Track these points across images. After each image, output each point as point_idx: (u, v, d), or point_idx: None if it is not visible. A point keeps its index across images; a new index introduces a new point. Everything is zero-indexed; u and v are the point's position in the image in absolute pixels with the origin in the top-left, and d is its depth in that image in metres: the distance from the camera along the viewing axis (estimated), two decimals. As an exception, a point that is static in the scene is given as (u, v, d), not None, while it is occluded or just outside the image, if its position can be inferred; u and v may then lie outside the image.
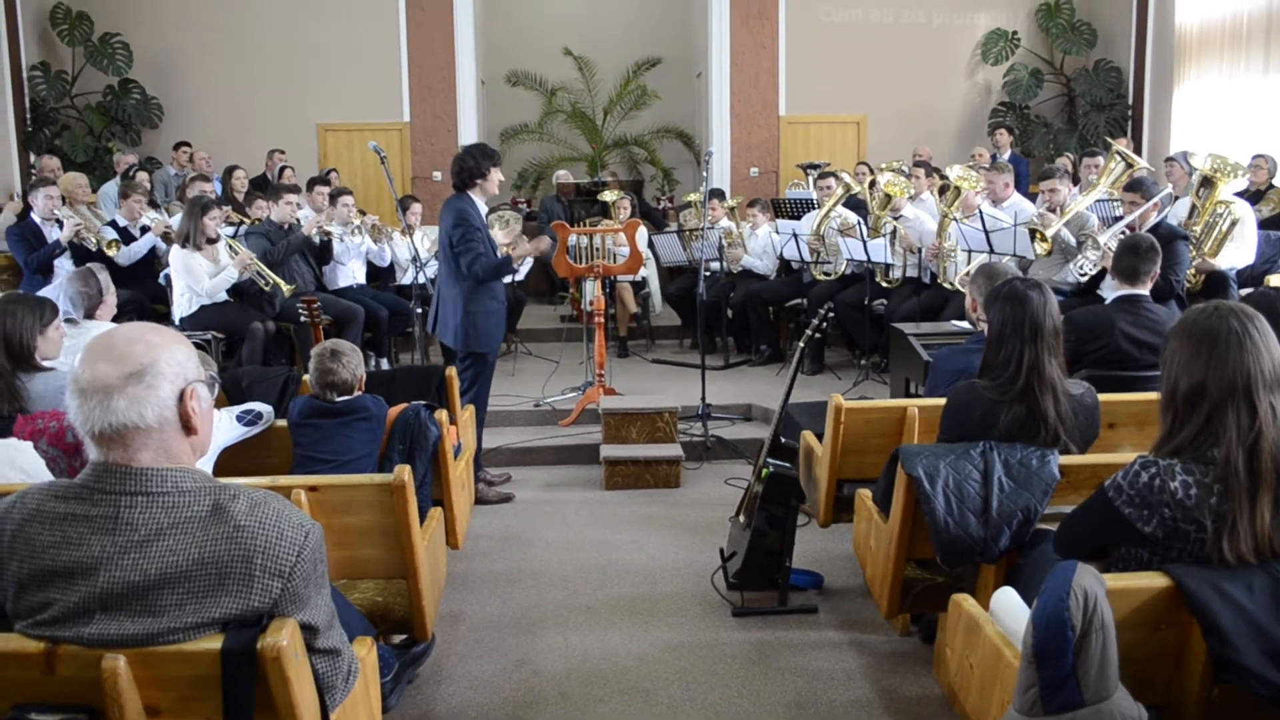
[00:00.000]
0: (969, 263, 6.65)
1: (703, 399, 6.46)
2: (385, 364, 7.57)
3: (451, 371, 4.81)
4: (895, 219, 7.54)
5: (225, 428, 3.62)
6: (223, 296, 6.70)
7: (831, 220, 7.99)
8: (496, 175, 5.32)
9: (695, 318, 7.32)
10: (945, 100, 12.27)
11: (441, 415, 4.00)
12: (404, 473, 3.09)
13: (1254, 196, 8.05)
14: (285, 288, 6.78)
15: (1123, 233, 5.64)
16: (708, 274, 7.38)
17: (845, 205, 8.19)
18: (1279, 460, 2.21)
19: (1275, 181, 8.61)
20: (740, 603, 4.14)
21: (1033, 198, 7.68)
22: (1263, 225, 7.03)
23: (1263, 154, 8.65)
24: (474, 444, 5.22)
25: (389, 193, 9.19)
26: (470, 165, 5.26)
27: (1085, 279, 5.91)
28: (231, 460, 3.60)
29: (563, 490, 5.84)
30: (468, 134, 11.70)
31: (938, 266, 7.07)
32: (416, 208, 8.31)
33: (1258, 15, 9.53)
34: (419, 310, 5.97)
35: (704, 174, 7.35)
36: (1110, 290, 4.57)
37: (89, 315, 4.42)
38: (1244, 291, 4.66)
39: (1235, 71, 9.86)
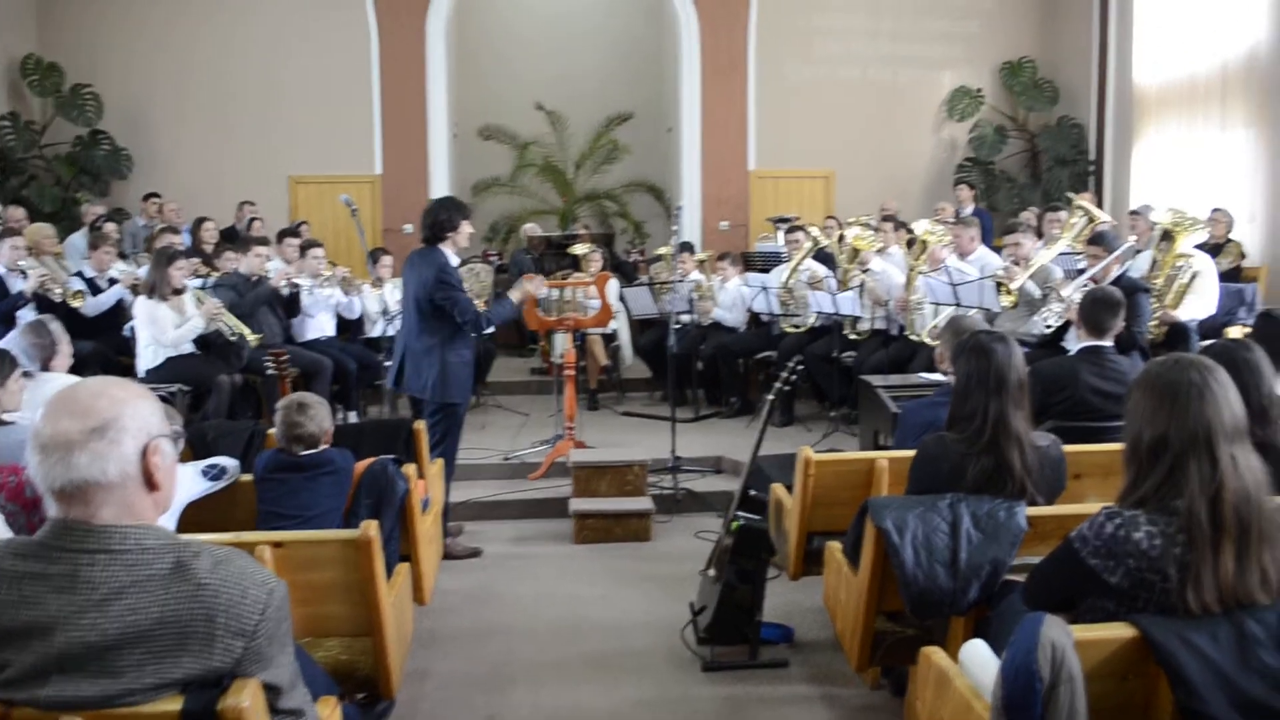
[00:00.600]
0: (936, 315, 6.73)
1: (673, 452, 6.45)
2: (354, 417, 7.51)
3: (420, 425, 4.79)
4: (863, 272, 7.62)
5: (189, 483, 3.58)
6: (189, 348, 6.64)
7: (800, 273, 8.08)
8: (467, 228, 5.37)
9: (665, 370, 7.38)
10: (912, 155, 12.45)
11: (410, 469, 3.97)
12: (370, 528, 3.07)
13: (1214, 249, 8.20)
14: (252, 337, 6.73)
15: (1086, 285, 5.73)
16: (678, 326, 7.43)
17: (814, 258, 8.28)
18: (1241, 510, 2.23)
19: (1233, 235, 8.79)
20: (711, 657, 4.11)
21: (998, 251, 7.79)
22: (1223, 277, 7.19)
23: (1220, 208, 8.84)
24: (443, 498, 5.18)
25: (359, 245, 9.18)
26: (442, 218, 5.30)
27: (1050, 331, 5.96)
28: (196, 516, 3.56)
29: (532, 544, 5.80)
30: (439, 186, 11.75)
31: (905, 319, 7.14)
32: (387, 260, 8.31)
33: (1212, 74, 9.77)
34: (388, 363, 5.95)
35: (674, 227, 7.41)
36: (1075, 342, 4.63)
37: (44, 367, 4.37)
38: (1204, 343, 4.74)
39: (1192, 127, 10.08)
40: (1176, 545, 2.23)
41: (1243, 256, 8.74)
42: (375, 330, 8.10)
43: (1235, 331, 6.56)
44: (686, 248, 9.18)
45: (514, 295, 5.64)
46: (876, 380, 5.41)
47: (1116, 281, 5.75)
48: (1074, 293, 5.81)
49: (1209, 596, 2.21)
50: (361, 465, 3.77)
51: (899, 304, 7.20)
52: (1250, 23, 9.15)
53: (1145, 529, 2.26)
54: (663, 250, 9.74)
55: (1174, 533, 2.24)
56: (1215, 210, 8.77)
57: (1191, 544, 2.22)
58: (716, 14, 12.02)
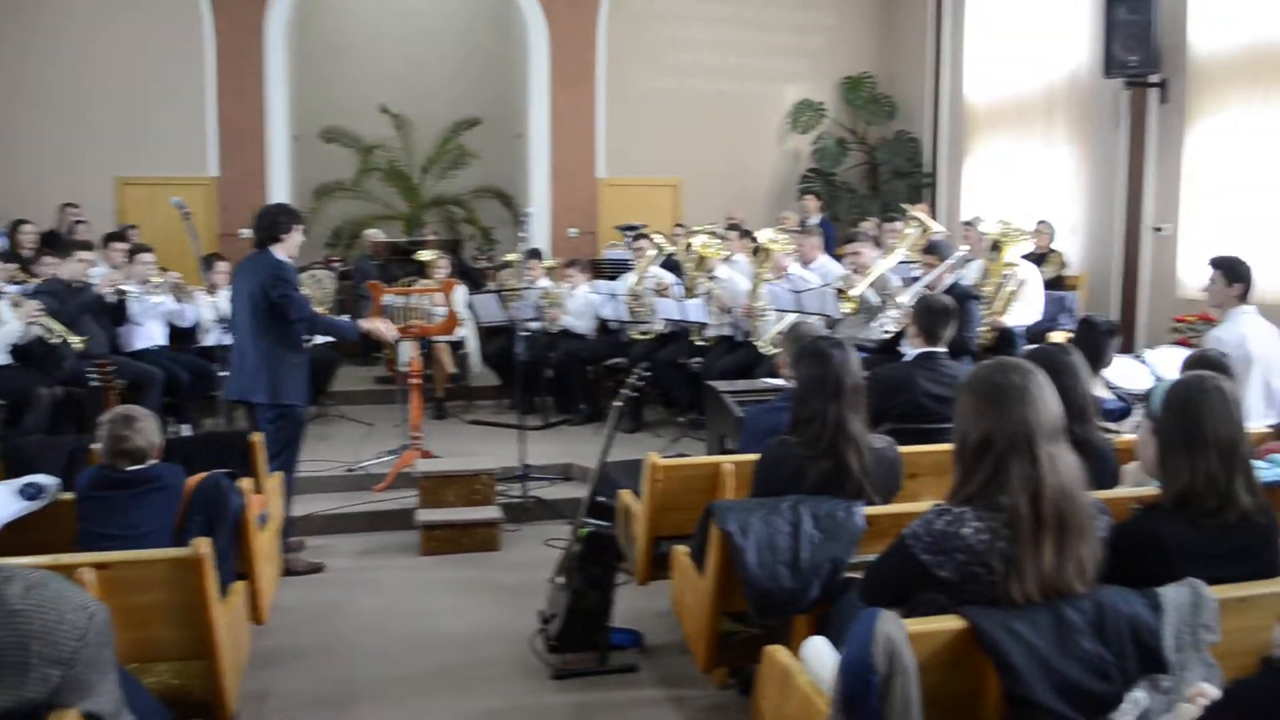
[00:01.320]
0: (780, 322, 6.84)
1: (522, 460, 6.42)
2: (187, 430, 7.21)
3: (257, 437, 4.63)
4: (710, 279, 7.71)
5: (4, 503, 3.38)
6: (4, 359, 6.25)
7: (647, 281, 8.14)
8: (299, 235, 5.31)
9: (514, 378, 7.33)
10: (757, 165, 12.68)
11: (246, 483, 3.83)
12: (202, 546, 2.94)
13: (1038, 259, 8.55)
14: (75, 340, 6.36)
15: (921, 293, 5.89)
16: (526, 334, 7.40)
17: (662, 266, 8.35)
18: (1059, 505, 2.31)
19: (1055, 246, 9.27)
20: (560, 665, 4.10)
21: (839, 260, 8.02)
22: (1046, 286, 7.46)
23: (1043, 220, 9.30)
24: (282, 513, 5.02)
25: (193, 250, 8.80)
26: (274, 222, 5.20)
27: (888, 336, 6.14)
28: (11, 538, 3.40)
29: (377, 558, 5.68)
30: (279, 190, 11.39)
31: (751, 325, 7.25)
32: (222, 266, 8.00)
33: (1037, 93, 10.26)
34: (224, 373, 5.74)
35: (522, 234, 7.39)
36: (910, 348, 4.78)
37: None
38: (1030, 347, 5.00)
39: (1019, 143, 10.55)
40: (1001, 539, 2.30)
41: (1064, 266, 9.21)
42: (210, 339, 7.79)
43: (1057, 336, 6.75)
44: (535, 255, 9.15)
45: (363, 323, 5.67)
46: (722, 386, 5.45)
47: (949, 289, 5.91)
48: (910, 300, 5.99)
49: (1031, 587, 2.29)
50: (193, 480, 3.61)
51: (744, 311, 7.30)
52: (1072, 46, 9.64)
53: (973, 524, 2.32)
54: (511, 257, 9.68)
55: (999, 527, 2.31)
56: (1039, 222, 9.20)
57: (1015, 538, 2.29)
58: (566, 22, 12.03)
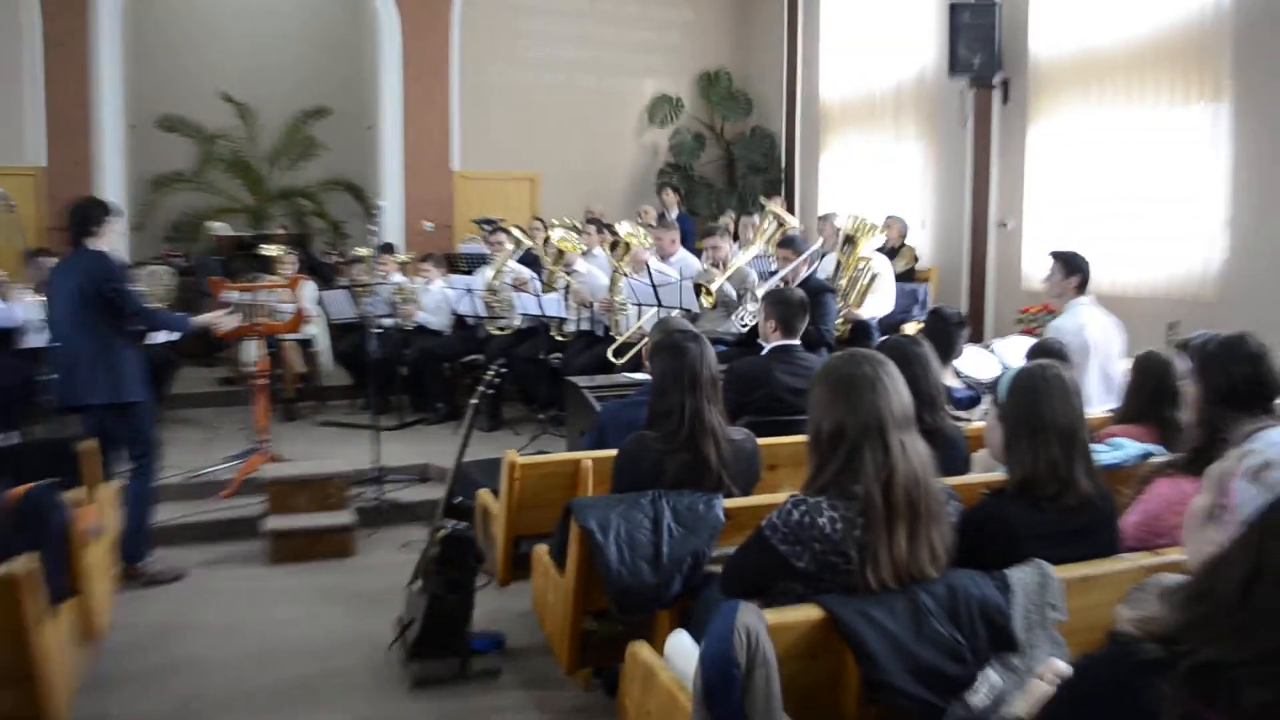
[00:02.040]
0: (640, 316, 6.86)
1: (376, 462, 6.27)
2: (15, 437, 6.77)
3: (90, 444, 4.39)
4: (568, 274, 7.69)
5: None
6: None
7: (505, 275, 8.06)
8: (116, 226, 5.15)
9: (367, 376, 7.17)
10: (616, 159, 12.73)
11: (75, 494, 3.62)
12: (21, 564, 2.75)
13: (891, 252, 8.80)
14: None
15: (778, 286, 5.96)
16: (379, 330, 7.23)
17: (520, 261, 8.26)
18: (911, 493, 2.36)
19: (907, 240, 9.56)
20: (420, 673, 4.01)
21: (698, 254, 8.09)
22: (898, 279, 7.61)
23: (894, 215, 9.55)
24: (121, 523, 4.79)
25: (18, 244, 8.32)
26: (91, 215, 5.00)
27: (745, 329, 6.19)
28: None
29: (224, 568, 5.47)
30: (112, 181, 10.86)
31: (610, 320, 7.23)
32: (51, 262, 7.54)
33: (887, 91, 10.59)
34: (54, 376, 5.42)
35: (374, 228, 7.21)
36: (767, 341, 4.84)
37: None
38: (882, 339, 5.12)
39: (871, 140, 10.86)
40: (856, 528, 2.33)
41: (915, 260, 9.46)
42: (37, 340, 7.34)
43: (910, 328, 7.07)
44: (388, 249, 8.98)
45: (197, 319, 5.50)
46: (582, 381, 5.43)
47: (805, 283, 6.00)
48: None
49: (886, 573, 2.33)
50: (16, 493, 3.38)
51: (603, 305, 7.29)
52: (920, 46, 9.95)
53: (828, 514, 2.36)
54: (362, 251, 9.41)
55: (853, 516, 2.34)
56: (889, 217, 9.42)
57: (869, 526, 2.33)
58: (418, 13, 11.83)
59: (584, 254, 7.92)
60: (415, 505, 6.13)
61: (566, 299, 7.64)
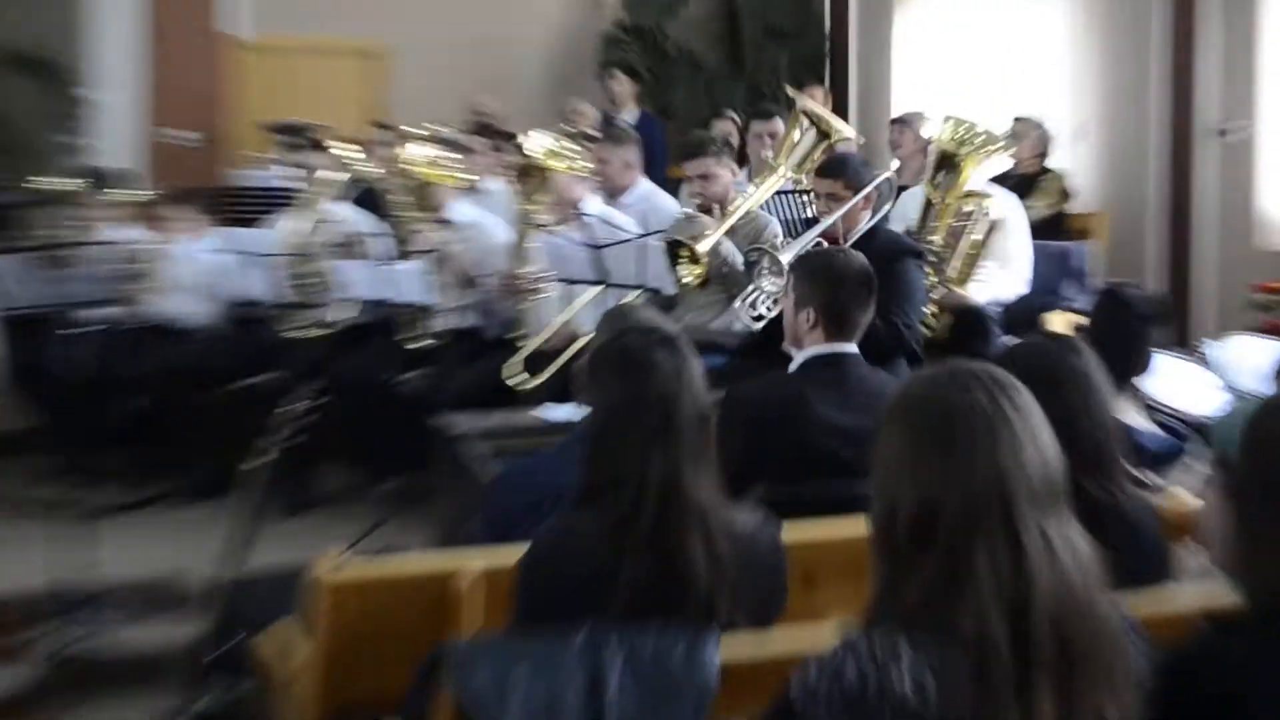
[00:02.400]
0: (567, 305, 6.80)
1: (76, 575, 5.86)
2: None
3: None
4: (439, 225, 7.54)
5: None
6: None
7: (322, 229, 7.82)
8: None
9: (63, 414, 7.30)
10: (525, 19, 12.77)
11: None
12: None
13: (1023, 184, 8.64)
14: None
15: (818, 246, 5.86)
16: (88, 332, 7.07)
17: (353, 202, 8.15)
18: (1060, 622, 2.25)
19: (1050, 162, 9.35)
20: None
21: (673, 186, 8.04)
22: (1039, 231, 7.63)
23: (1026, 118, 9.39)
24: None
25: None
26: None
27: (760, 325, 6.04)
28: None
29: None
30: None
31: (513, 311, 7.11)
32: None
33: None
34: None
35: (81, 140, 6.72)
36: (798, 347, 4.76)
37: None
38: (1009, 342, 5.09)
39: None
40: (961, 687, 2.21)
41: (1067, 196, 9.21)
42: None
43: (1057, 322, 6.82)
44: (105, 180, 8.64)
45: None
46: (462, 423, 5.38)
47: (867, 239, 6.00)
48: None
49: None
50: None
51: (503, 284, 7.15)
52: None
53: (909, 664, 2.22)
54: (58, 185, 8.86)
55: (956, 669, 2.22)
56: (1018, 121, 9.24)
57: (985, 683, 2.21)
58: None
59: (467, 189, 7.86)
60: (148, 653, 5.80)
61: (434, 271, 7.40)
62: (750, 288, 6.13)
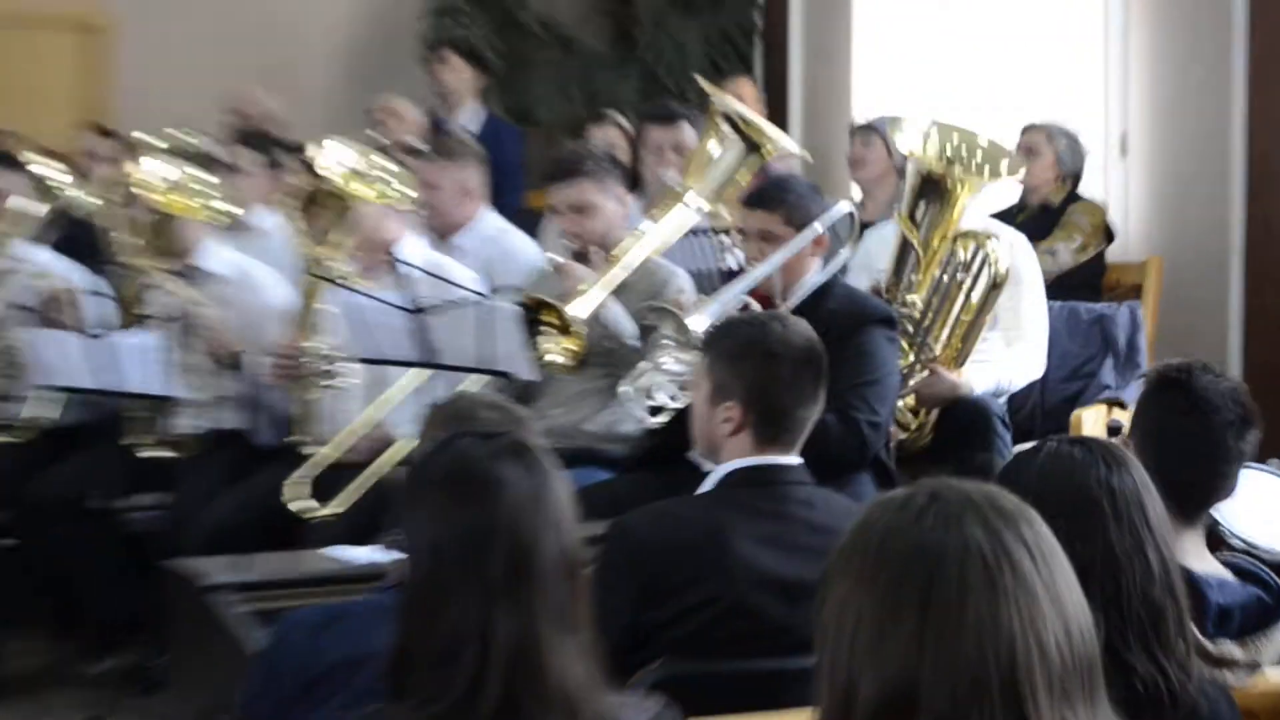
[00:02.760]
0: (383, 393, 6.70)
1: None
2: None
3: None
4: (178, 278, 7.48)
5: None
6: None
7: (11, 280, 7.88)
8: None
9: None
10: None
11: None
12: None
13: (1039, 220, 8.78)
14: None
15: (744, 309, 5.91)
16: None
17: (58, 245, 8.17)
18: None
19: (1081, 190, 9.41)
20: None
21: (533, 220, 8.25)
22: (1064, 288, 7.71)
23: (1042, 125, 9.47)
24: None
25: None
26: None
27: (660, 421, 6.04)
28: None
29: None
30: None
31: (295, 399, 7.06)
32: None
33: None
34: None
35: None
36: (713, 456, 4.74)
37: None
38: (1020, 447, 5.13)
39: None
40: None
41: (1106, 237, 9.33)
42: None
43: (1091, 420, 6.94)
44: None
45: None
46: (217, 570, 5.37)
47: (817, 300, 6.20)
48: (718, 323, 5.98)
49: None
50: None
51: (280, 366, 7.10)
52: None
53: None
54: None
55: None
56: (1032, 129, 9.36)
57: None
58: None
59: (226, 226, 7.85)
60: None
61: (177, 349, 7.39)
62: (644, 367, 6.14)
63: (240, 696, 4.05)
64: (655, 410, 6.09)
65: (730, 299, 6.12)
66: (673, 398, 6.06)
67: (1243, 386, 4.74)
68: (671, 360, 6.08)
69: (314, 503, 6.46)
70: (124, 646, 7.33)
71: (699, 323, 5.99)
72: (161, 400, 7.38)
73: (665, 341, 6.16)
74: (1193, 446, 4.42)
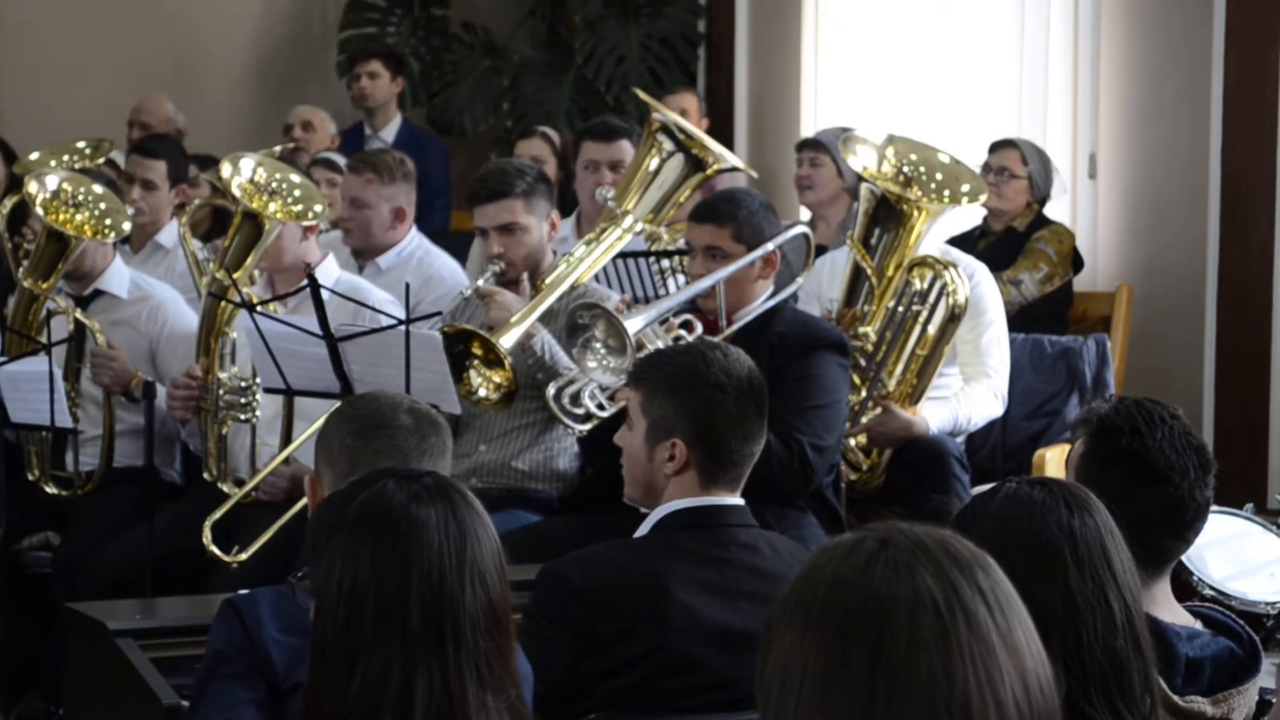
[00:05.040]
0: (285, 427, 6.74)
1: None
2: None
3: None
4: (76, 303, 7.51)
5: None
6: None
7: None
8: None
9: None
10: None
11: None
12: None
13: (1001, 246, 8.82)
14: None
15: (686, 326, 5.94)
16: None
17: None
18: None
19: (1048, 212, 9.37)
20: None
21: (459, 242, 8.31)
22: (1028, 320, 7.77)
23: (1009, 140, 9.43)
24: None
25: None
26: None
27: (587, 429, 6.08)
28: None
29: None
30: None
31: (203, 434, 7.09)
32: None
33: None
34: None
35: None
36: (649, 499, 4.73)
37: None
38: (980, 488, 5.08)
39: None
40: None
41: (1077, 265, 9.32)
42: None
43: (1055, 460, 6.89)
44: None
45: None
46: (120, 614, 5.35)
47: (763, 325, 6.22)
48: (659, 347, 5.94)
49: None
50: None
51: (183, 398, 7.08)
52: None
53: None
54: None
55: None
56: (1001, 144, 9.33)
57: None
58: None
59: (117, 241, 7.82)
60: None
61: (73, 379, 7.39)
62: (572, 374, 6.16)
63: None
64: (584, 417, 6.09)
65: (670, 305, 6.13)
66: (600, 406, 6.05)
67: (1196, 436, 4.68)
68: (600, 366, 6.04)
69: (222, 553, 6.39)
70: (23, 696, 7.30)
71: (634, 326, 5.95)
72: (57, 434, 7.32)
73: (595, 343, 6.11)
74: (1158, 515, 4.30)
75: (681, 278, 6.71)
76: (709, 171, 6.83)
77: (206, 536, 6.44)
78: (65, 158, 9.49)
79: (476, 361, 6.35)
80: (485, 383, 6.34)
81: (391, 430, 4.07)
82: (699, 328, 6.03)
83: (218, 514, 6.51)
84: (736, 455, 4.62)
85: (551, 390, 6.23)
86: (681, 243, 6.92)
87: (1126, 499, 4.24)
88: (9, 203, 8.08)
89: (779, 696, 2.23)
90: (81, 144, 9.34)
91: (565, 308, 6.66)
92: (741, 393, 4.63)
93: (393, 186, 7.72)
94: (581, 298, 6.71)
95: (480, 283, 6.84)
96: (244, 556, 6.36)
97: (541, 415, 6.68)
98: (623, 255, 7.08)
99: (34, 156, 9.38)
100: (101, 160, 9.07)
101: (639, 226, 6.96)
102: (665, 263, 7.03)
